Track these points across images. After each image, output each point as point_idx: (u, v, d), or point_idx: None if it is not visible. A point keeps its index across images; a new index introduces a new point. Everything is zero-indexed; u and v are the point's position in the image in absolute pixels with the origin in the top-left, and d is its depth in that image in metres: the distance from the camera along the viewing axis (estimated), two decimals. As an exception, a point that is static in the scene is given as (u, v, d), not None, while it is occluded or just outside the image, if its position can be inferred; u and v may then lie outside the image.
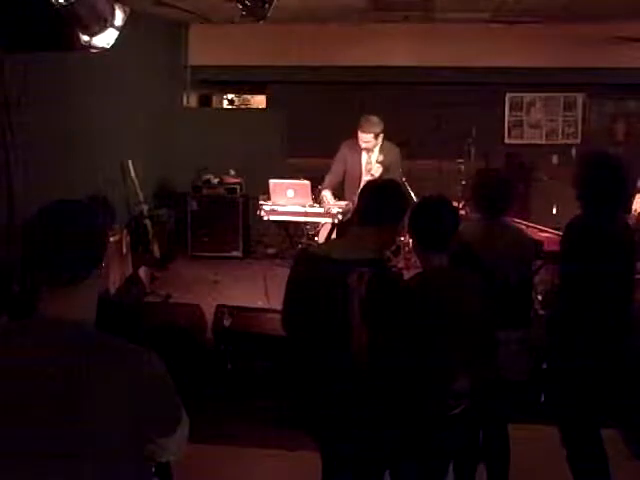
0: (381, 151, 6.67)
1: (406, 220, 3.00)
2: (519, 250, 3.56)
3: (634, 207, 6.05)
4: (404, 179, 7.69)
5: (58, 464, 1.66)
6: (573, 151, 9.43)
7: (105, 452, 1.67)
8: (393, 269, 5.41)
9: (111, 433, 1.67)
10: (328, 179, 6.89)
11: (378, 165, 6.61)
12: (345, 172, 6.86)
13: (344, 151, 6.83)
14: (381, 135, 6.61)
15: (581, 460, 3.45)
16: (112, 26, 5.26)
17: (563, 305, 3.46)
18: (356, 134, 6.60)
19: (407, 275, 3.43)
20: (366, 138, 6.55)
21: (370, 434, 2.82)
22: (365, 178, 6.75)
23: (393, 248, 6.11)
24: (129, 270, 6.37)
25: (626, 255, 3.34)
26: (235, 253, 8.27)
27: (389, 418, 2.82)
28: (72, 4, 4.53)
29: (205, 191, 8.31)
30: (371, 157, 6.70)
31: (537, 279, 5.59)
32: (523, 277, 3.64)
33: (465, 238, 3.22)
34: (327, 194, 6.85)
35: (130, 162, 7.55)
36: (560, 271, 3.48)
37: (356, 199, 6.84)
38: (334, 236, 6.73)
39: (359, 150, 6.70)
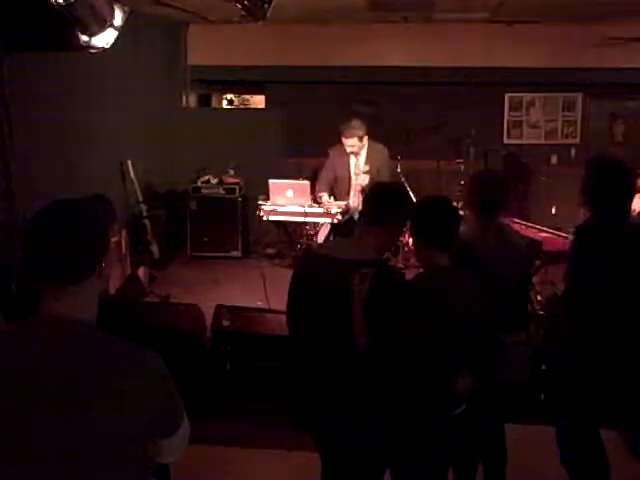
0: (368, 155, 6.69)
1: (409, 221, 3.02)
2: (516, 251, 3.56)
3: (633, 207, 6.05)
4: (403, 179, 7.72)
5: (58, 464, 1.66)
6: (572, 151, 9.45)
7: (106, 452, 1.67)
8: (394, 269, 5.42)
9: (112, 433, 1.67)
10: (320, 186, 6.92)
11: (365, 176, 6.64)
12: (335, 178, 6.90)
13: (332, 157, 6.88)
14: (365, 137, 6.64)
15: (581, 461, 3.45)
16: (111, 26, 5.27)
17: (571, 307, 3.44)
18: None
19: (407, 275, 3.43)
20: (350, 142, 6.59)
21: (370, 433, 2.83)
22: (355, 182, 6.81)
23: (392, 248, 6.12)
24: (128, 270, 6.37)
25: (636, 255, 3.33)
26: (234, 253, 8.27)
27: (390, 417, 2.82)
28: (71, 4, 4.53)
29: (204, 191, 8.31)
30: (359, 160, 6.74)
31: (536, 279, 5.59)
32: (521, 278, 3.64)
33: (463, 239, 3.22)
34: (324, 195, 6.88)
35: (129, 162, 7.55)
36: (569, 273, 3.46)
37: (348, 201, 6.98)
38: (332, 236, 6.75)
39: (347, 154, 6.73)
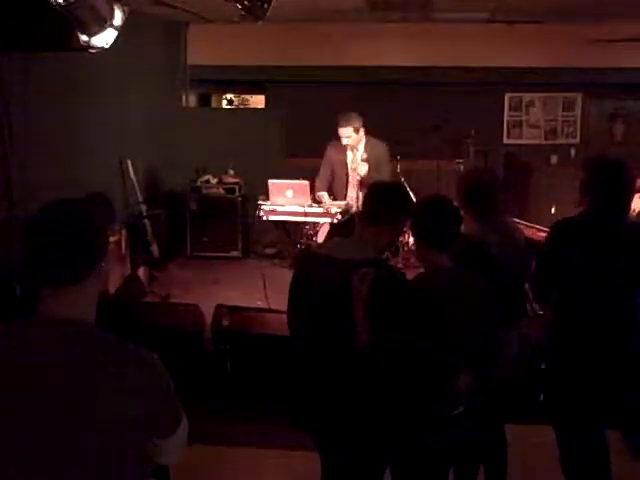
0: (366, 149, 6.71)
1: (409, 220, 3.02)
2: (519, 249, 3.56)
3: (633, 207, 6.04)
4: (402, 179, 7.72)
5: (58, 463, 1.66)
6: (572, 151, 9.45)
7: (105, 452, 1.67)
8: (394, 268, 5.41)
9: (111, 433, 1.67)
10: (318, 183, 6.96)
11: (363, 163, 6.66)
12: (333, 173, 6.93)
13: (330, 152, 6.92)
14: (362, 130, 6.67)
15: (581, 461, 3.44)
16: (111, 26, 5.26)
17: (561, 303, 3.45)
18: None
19: (407, 275, 3.43)
20: (346, 133, 6.61)
21: (371, 433, 2.83)
22: (353, 175, 6.83)
23: (392, 248, 6.13)
24: (128, 270, 6.37)
25: (632, 254, 3.32)
26: (234, 253, 8.26)
27: (390, 417, 2.82)
28: (71, 4, 4.53)
29: (204, 191, 8.30)
30: (356, 155, 6.76)
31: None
32: (521, 274, 3.64)
33: (466, 240, 3.22)
34: (324, 195, 6.89)
35: (129, 161, 7.54)
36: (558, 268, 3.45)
37: (346, 198, 7.03)
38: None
39: (344, 149, 6.76)
